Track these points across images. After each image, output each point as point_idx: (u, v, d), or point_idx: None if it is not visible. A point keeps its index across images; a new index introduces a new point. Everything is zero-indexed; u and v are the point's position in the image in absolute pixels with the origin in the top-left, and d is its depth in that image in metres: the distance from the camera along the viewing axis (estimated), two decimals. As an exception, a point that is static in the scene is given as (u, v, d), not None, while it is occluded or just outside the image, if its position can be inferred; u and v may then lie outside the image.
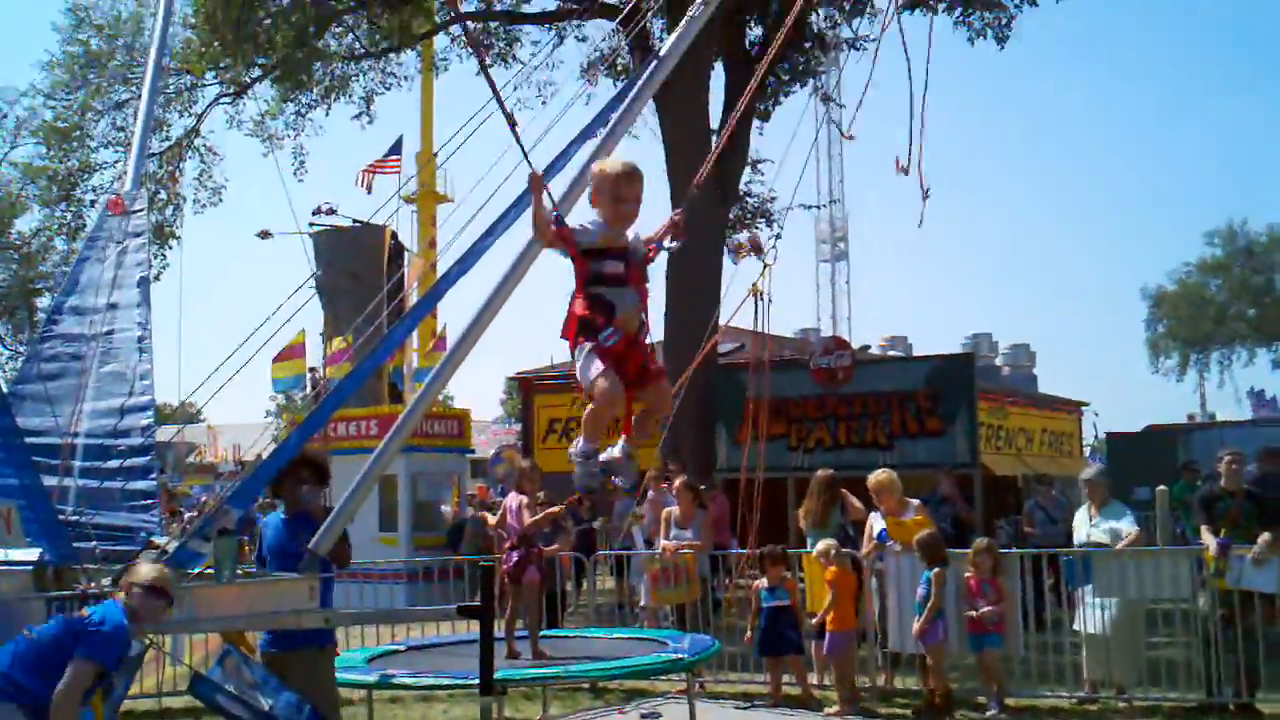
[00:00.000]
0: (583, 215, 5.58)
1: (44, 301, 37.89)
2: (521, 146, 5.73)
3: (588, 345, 5.30)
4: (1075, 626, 11.53)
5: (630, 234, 5.51)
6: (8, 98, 37.81)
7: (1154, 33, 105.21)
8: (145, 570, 6.10)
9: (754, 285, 8.69)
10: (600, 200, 5.42)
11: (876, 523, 11.88)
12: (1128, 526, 11.45)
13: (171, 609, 6.13)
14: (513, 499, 11.13)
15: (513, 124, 5.75)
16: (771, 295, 9.36)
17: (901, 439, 21.04)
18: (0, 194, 37.34)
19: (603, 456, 5.63)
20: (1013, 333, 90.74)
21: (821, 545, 11.53)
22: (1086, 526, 11.66)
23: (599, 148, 7.91)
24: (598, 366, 5.25)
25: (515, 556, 10.75)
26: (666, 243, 5.81)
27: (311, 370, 24.71)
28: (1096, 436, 37.03)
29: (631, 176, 5.42)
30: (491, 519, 14.32)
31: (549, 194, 5.55)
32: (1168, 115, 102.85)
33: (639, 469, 5.63)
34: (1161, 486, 16.10)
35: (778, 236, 18.14)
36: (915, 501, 12.09)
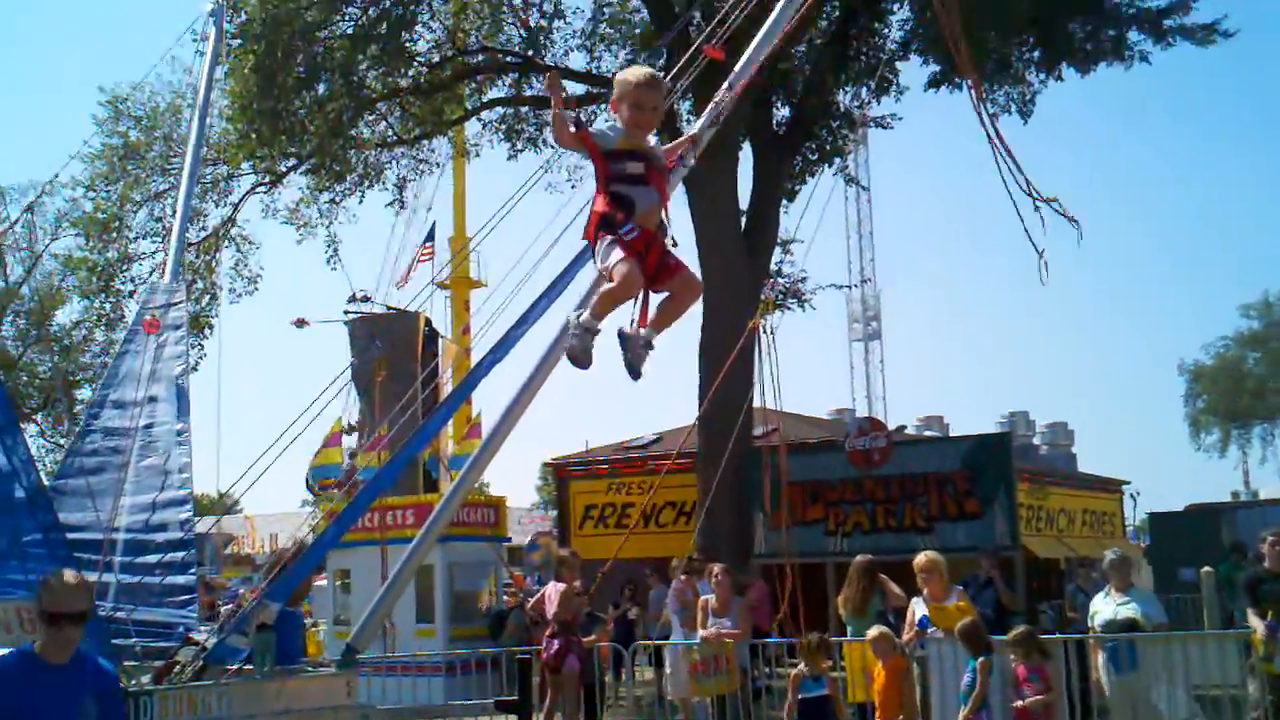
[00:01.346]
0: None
1: (84, 393, 38.20)
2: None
3: (609, 238, 5.33)
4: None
5: (651, 142, 5.59)
6: (46, 190, 38.40)
7: (1184, 98, 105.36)
8: (40, 596, 5.44)
9: (751, 322, 8.61)
10: (621, 106, 5.47)
11: (919, 608, 11.73)
12: (1156, 614, 11.30)
13: (84, 622, 5.41)
14: (551, 588, 11.09)
15: None
16: (774, 327, 9.30)
17: (940, 522, 20.80)
18: (41, 285, 37.82)
19: (626, 329, 5.50)
20: (1050, 411, 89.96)
21: (874, 633, 11.32)
22: (1114, 607, 11.42)
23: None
24: (619, 253, 5.27)
25: (555, 645, 10.67)
26: (686, 159, 6.10)
27: (351, 454, 24.72)
28: (1138, 516, 36.63)
29: (652, 84, 5.48)
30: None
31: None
32: (1199, 187, 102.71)
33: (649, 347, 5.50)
34: (1207, 568, 15.87)
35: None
36: (958, 587, 11.93)
